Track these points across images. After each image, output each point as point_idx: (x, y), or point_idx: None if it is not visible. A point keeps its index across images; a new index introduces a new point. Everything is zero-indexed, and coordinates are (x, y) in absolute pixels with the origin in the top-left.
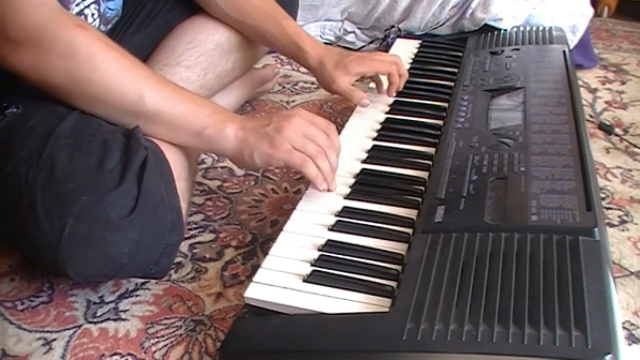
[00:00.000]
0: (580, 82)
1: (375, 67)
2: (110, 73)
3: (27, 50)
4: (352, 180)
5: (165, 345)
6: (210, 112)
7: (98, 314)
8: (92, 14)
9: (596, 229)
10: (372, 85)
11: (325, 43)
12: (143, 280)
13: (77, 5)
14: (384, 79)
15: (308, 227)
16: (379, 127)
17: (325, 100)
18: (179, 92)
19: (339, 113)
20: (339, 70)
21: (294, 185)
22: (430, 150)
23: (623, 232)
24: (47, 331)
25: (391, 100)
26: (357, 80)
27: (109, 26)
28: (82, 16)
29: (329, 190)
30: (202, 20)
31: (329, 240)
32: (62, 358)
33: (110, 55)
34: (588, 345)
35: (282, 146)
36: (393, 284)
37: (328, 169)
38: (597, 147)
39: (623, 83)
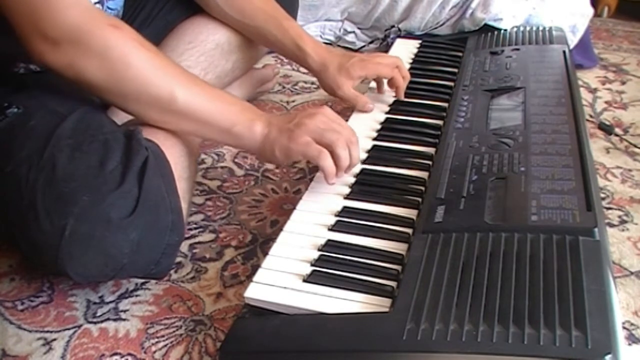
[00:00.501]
0: (580, 82)
1: (377, 70)
2: (143, 72)
3: (64, 49)
4: (352, 180)
5: (165, 345)
6: (239, 109)
7: (98, 314)
8: None
9: (596, 229)
10: (373, 84)
11: (325, 43)
12: (143, 280)
13: None
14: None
15: (308, 227)
16: (379, 127)
17: (325, 101)
18: (209, 90)
19: (339, 113)
20: (342, 76)
21: (294, 185)
22: (430, 150)
23: (623, 232)
24: (47, 331)
25: (391, 100)
26: (366, 79)
27: None
28: None
29: (333, 183)
30: (202, 20)
31: (329, 240)
32: (62, 358)
33: (144, 55)
34: (588, 345)
35: (300, 139)
36: (393, 284)
37: (346, 158)
38: (597, 147)
39: (623, 83)
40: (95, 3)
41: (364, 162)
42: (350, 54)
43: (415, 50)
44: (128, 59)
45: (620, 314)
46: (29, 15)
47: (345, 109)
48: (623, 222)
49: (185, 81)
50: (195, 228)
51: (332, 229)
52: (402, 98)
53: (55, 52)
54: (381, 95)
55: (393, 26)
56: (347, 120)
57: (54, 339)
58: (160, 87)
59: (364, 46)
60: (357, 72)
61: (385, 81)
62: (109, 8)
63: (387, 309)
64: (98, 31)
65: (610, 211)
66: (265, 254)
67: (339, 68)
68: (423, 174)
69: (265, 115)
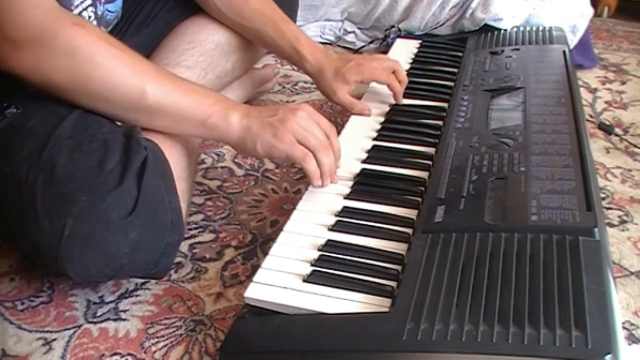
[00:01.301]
0: (580, 82)
1: (373, 75)
2: (111, 70)
3: (27, 51)
4: (352, 181)
5: (165, 345)
6: (212, 101)
7: (98, 314)
8: (89, 17)
9: (596, 229)
10: (373, 84)
11: (325, 43)
12: (143, 280)
13: (75, 7)
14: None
15: (308, 227)
16: (379, 127)
17: (325, 100)
18: (181, 84)
19: (339, 113)
20: (338, 82)
21: (294, 185)
22: (430, 150)
23: (623, 232)
24: (47, 331)
25: (391, 100)
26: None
27: (109, 28)
28: None
29: (322, 186)
30: (202, 20)
31: (329, 240)
32: (62, 358)
33: (111, 52)
34: (588, 345)
35: (285, 137)
36: (393, 284)
37: (329, 164)
38: (597, 147)
39: (623, 83)
40: (89, 6)
41: (364, 162)
42: (348, 57)
43: (415, 50)
44: (95, 58)
45: (620, 314)
46: None
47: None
48: (623, 222)
49: (155, 76)
50: (195, 228)
51: (332, 229)
52: (400, 102)
53: (18, 55)
54: (381, 96)
55: (393, 26)
56: (347, 121)
57: (54, 339)
58: (130, 84)
59: (364, 46)
60: (352, 77)
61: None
62: (108, 11)
63: (387, 309)
64: (63, 31)
65: (610, 211)
66: (265, 254)
67: (335, 73)
68: (423, 174)
69: (242, 106)
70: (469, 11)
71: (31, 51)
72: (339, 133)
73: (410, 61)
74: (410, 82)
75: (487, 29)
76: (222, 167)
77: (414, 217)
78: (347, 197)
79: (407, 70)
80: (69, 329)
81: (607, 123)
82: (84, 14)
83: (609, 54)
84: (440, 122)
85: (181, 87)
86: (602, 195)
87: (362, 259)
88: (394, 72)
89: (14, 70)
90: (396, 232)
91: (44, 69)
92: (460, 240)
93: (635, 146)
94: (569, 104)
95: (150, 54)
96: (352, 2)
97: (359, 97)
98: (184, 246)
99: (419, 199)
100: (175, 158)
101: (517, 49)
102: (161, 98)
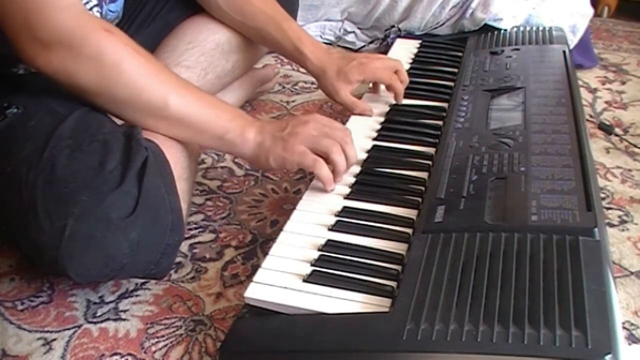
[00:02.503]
0: (580, 82)
1: (375, 75)
2: (136, 78)
3: (55, 52)
4: (352, 180)
5: (165, 345)
6: (231, 116)
7: (98, 314)
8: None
9: (596, 229)
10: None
11: (325, 43)
12: (143, 280)
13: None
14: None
15: (308, 227)
16: (379, 127)
17: (325, 100)
18: (202, 97)
19: (338, 113)
20: (340, 80)
21: (294, 185)
22: (430, 150)
23: (623, 232)
24: (47, 331)
25: (391, 100)
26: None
27: None
28: None
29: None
30: (202, 20)
31: (329, 240)
32: (62, 358)
33: (137, 61)
34: (588, 345)
35: (295, 149)
36: (393, 284)
37: (342, 163)
38: (597, 147)
39: (623, 83)
40: (94, 6)
41: (364, 162)
42: (350, 56)
43: (415, 50)
44: (121, 65)
45: (620, 314)
46: (21, 17)
47: (346, 109)
48: (623, 222)
49: (178, 88)
50: (195, 228)
51: (332, 229)
52: (400, 103)
53: (47, 56)
54: (381, 96)
55: (393, 26)
56: (347, 121)
57: (54, 339)
58: (153, 94)
59: (364, 46)
60: (355, 76)
61: (383, 86)
62: (109, 11)
63: (387, 309)
64: (91, 36)
65: (610, 211)
66: (265, 254)
67: (337, 72)
68: (423, 174)
69: (257, 122)
70: (469, 11)
71: (59, 53)
72: None
73: (410, 61)
74: (410, 82)
75: (487, 29)
76: (222, 167)
77: (414, 217)
78: (347, 197)
79: (407, 70)
80: (69, 329)
81: (607, 123)
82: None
83: (609, 54)
84: (440, 122)
85: (202, 100)
86: (602, 195)
87: (362, 259)
88: (396, 72)
89: (41, 70)
90: (396, 232)
91: (70, 71)
92: (460, 240)
93: (635, 146)
94: (569, 104)
95: (150, 54)
96: (352, 2)
97: (359, 97)
98: (184, 246)
99: (419, 199)
100: (175, 158)
101: (517, 49)
102: (182, 109)
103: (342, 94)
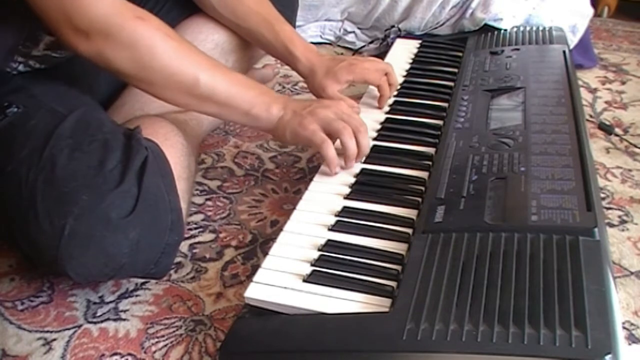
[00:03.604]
0: (580, 82)
1: (364, 76)
2: (169, 61)
3: (94, 40)
4: (352, 180)
5: (165, 345)
6: (257, 93)
7: (98, 314)
8: None
9: (596, 229)
10: (372, 86)
11: (325, 43)
12: (143, 280)
13: None
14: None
15: (308, 227)
16: (379, 127)
17: None
18: (230, 75)
19: None
20: (329, 79)
21: (294, 185)
22: (430, 150)
23: (623, 232)
24: (47, 331)
25: (391, 100)
26: (353, 85)
27: None
28: None
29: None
30: (201, 20)
31: (329, 240)
32: (62, 358)
33: (169, 44)
34: (588, 345)
35: (309, 125)
36: (393, 284)
37: (352, 147)
38: (597, 147)
39: (623, 83)
40: None
41: (364, 162)
42: (340, 57)
43: (415, 50)
44: (155, 50)
45: (620, 314)
46: (60, 8)
47: None
48: (623, 222)
49: (208, 67)
50: (195, 228)
51: (332, 229)
52: (383, 107)
53: (86, 43)
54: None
55: (393, 26)
56: None
57: (54, 339)
58: (185, 74)
59: (364, 46)
60: (344, 76)
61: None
62: None
63: (387, 309)
64: (126, 23)
65: (610, 211)
66: (265, 254)
67: (326, 72)
68: (423, 174)
69: (282, 98)
70: (469, 11)
71: (98, 41)
72: None
73: (410, 61)
74: (410, 82)
75: (487, 29)
76: (222, 167)
77: (414, 217)
78: (347, 197)
79: (407, 70)
80: (69, 329)
81: (607, 123)
82: None
83: (609, 54)
84: (440, 122)
85: (231, 78)
86: (602, 195)
87: (362, 259)
88: (386, 75)
89: (82, 55)
90: (396, 232)
91: (108, 57)
92: (460, 240)
93: (635, 146)
94: (569, 104)
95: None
96: (352, 2)
97: (358, 97)
98: (184, 246)
99: (419, 199)
100: (175, 158)
101: (517, 49)
102: (212, 87)
103: (329, 90)
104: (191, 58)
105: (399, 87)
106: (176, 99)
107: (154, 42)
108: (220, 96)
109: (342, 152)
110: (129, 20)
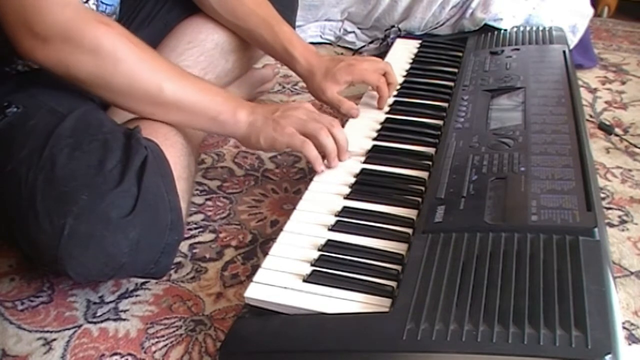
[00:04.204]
0: (580, 82)
1: (363, 76)
2: (132, 68)
3: (53, 46)
4: (352, 180)
5: (165, 345)
6: (223, 99)
7: (98, 314)
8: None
9: (596, 229)
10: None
11: (325, 43)
12: (143, 280)
13: None
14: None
15: (308, 227)
16: (379, 127)
17: None
18: (195, 82)
19: (339, 114)
20: (328, 81)
21: (294, 185)
22: (430, 150)
23: (623, 232)
24: (47, 331)
25: (391, 100)
26: (352, 85)
27: None
28: None
29: (326, 169)
30: (201, 20)
31: (329, 240)
32: (62, 358)
33: (132, 51)
34: (588, 345)
35: (284, 130)
36: (393, 284)
37: (332, 146)
38: (597, 147)
39: (623, 83)
40: None
41: (364, 162)
42: (339, 58)
43: (415, 50)
44: (118, 56)
45: (620, 314)
46: (19, 12)
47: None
48: (623, 222)
49: (172, 74)
50: (195, 228)
51: (332, 229)
52: (382, 108)
53: (45, 49)
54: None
55: (393, 26)
56: (347, 121)
57: (54, 339)
58: (149, 81)
59: (364, 46)
60: (343, 76)
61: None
62: (104, 3)
63: (387, 309)
64: (88, 28)
65: (610, 211)
66: (265, 254)
67: (325, 73)
68: (423, 174)
69: (249, 104)
70: (469, 11)
71: (57, 47)
72: None
73: (410, 61)
74: (410, 82)
75: (487, 29)
76: (222, 167)
77: (414, 217)
78: (347, 197)
79: (407, 70)
80: (69, 329)
81: (607, 123)
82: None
83: (609, 54)
84: (440, 122)
85: (195, 85)
86: (602, 195)
87: (362, 259)
88: (385, 75)
89: (40, 63)
90: (396, 232)
91: (68, 64)
92: (460, 240)
93: (635, 146)
94: (569, 104)
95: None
96: (352, 2)
97: (358, 97)
98: (184, 246)
99: (419, 199)
100: (175, 158)
101: (517, 49)
102: (177, 95)
103: (328, 92)
104: (155, 65)
105: (399, 87)
106: (140, 107)
107: (118, 48)
108: (185, 103)
109: (322, 152)
110: (91, 25)
